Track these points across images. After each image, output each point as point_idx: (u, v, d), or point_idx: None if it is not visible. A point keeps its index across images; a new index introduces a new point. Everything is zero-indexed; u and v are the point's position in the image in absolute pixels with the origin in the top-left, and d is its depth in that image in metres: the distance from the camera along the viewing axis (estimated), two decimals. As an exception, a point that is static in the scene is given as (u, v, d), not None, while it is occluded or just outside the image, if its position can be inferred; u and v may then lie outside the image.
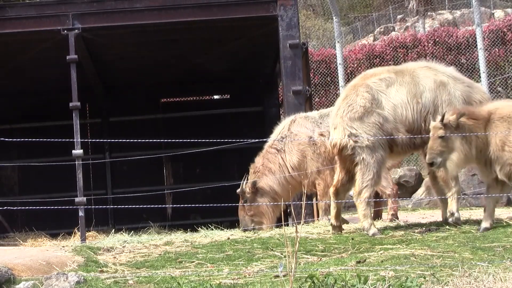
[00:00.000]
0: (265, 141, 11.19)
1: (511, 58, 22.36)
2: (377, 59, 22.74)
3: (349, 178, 8.87)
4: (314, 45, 30.21)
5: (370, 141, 8.58)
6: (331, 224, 9.02)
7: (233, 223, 11.85)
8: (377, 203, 11.30)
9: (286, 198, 10.59)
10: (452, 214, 8.85)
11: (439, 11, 39.61)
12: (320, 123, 10.93)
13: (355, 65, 22.68)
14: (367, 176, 8.59)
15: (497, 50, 22.39)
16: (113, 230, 12.34)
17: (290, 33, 12.01)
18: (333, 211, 8.98)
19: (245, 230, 10.48)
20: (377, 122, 8.67)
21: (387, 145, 8.70)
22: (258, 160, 10.94)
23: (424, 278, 5.74)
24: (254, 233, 9.94)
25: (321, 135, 10.79)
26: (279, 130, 11.09)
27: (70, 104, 11.55)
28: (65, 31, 11.95)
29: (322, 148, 10.73)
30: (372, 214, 11.52)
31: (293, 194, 10.83)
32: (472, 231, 8.25)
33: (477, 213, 11.18)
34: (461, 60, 21.98)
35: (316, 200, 11.08)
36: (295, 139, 10.77)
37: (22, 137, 14.08)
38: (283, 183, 10.72)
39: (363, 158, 8.60)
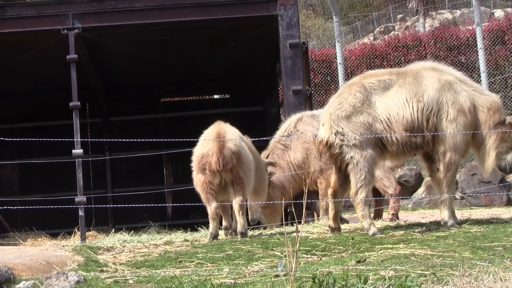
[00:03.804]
0: (265, 140, 11.19)
1: (511, 57, 22.35)
2: (378, 58, 22.74)
3: (344, 179, 8.82)
4: (314, 44, 30.22)
5: (358, 140, 8.53)
6: (329, 226, 8.99)
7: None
8: (377, 202, 11.30)
9: (290, 195, 10.60)
10: (446, 223, 8.74)
11: (439, 11, 39.61)
12: None
13: (356, 64, 22.68)
14: (360, 176, 8.54)
15: (497, 49, 22.39)
16: (113, 229, 12.33)
17: (290, 33, 12.01)
18: (331, 213, 8.94)
19: (254, 226, 10.47)
20: (365, 122, 8.60)
21: (378, 145, 8.65)
22: (266, 156, 10.93)
23: (425, 277, 5.75)
24: (258, 233, 9.93)
25: None
26: (285, 127, 11.09)
27: (70, 104, 11.55)
28: (65, 30, 11.96)
29: None
30: (373, 214, 11.53)
31: (296, 192, 10.84)
32: (472, 231, 8.25)
33: (477, 213, 11.19)
34: (461, 59, 21.98)
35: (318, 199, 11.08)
36: (301, 137, 10.78)
37: (22, 137, 14.07)
38: (290, 180, 10.75)
39: (351, 157, 8.55)
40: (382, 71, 9.22)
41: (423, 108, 8.63)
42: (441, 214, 8.82)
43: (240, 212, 9.02)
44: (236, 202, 8.98)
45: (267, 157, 10.83)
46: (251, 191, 9.62)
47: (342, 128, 8.59)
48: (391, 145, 8.62)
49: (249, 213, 10.66)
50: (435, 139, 8.67)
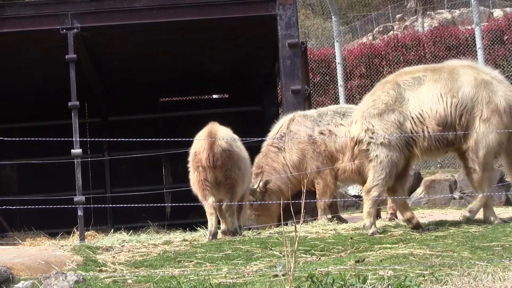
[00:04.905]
0: (264, 141, 11.17)
1: (510, 57, 22.35)
2: (377, 58, 22.74)
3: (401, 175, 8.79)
4: (313, 44, 30.20)
5: (386, 139, 8.51)
6: (406, 219, 8.80)
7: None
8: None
9: (288, 197, 10.60)
10: (471, 211, 8.78)
11: (438, 10, 39.57)
12: (319, 121, 10.91)
13: (354, 64, 22.68)
14: (379, 175, 8.49)
15: (496, 49, 22.39)
16: (112, 229, 12.33)
17: (289, 33, 12.02)
18: (396, 207, 8.80)
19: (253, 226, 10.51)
20: (396, 121, 8.55)
21: (405, 146, 8.59)
22: (261, 159, 10.91)
23: (423, 277, 5.74)
24: (257, 233, 9.92)
25: (321, 133, 10.78)
26: (277, 128, 11.05)
27: (69, 104, 11.56)
28: (64, 30, 11.96)
29: (322, 147, 10.72)
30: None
31: (293, 193, 10.83)
32: (471, 230, 8.25)
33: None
34: (460, 59, 21.97)
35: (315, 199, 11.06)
36: (295, 138, 10.75)
37: (22, 136, 14.08)
38: (287, 182, 10.73)
39: (376, 155, 8.50)
40: (417, 68, 9.17)
41: (457, 104, 8.56)
42: (471, 204, 8.80)
43: (228, 214, 9.24)
44: (224, 202, 9.21)
45: (266, 163, 10.83)
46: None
47: (373, 126, 8.57)
48: (422, 140, 8.55)
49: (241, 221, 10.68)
50: (466, 136, 8.60)
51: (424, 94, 8.64)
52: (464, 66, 8.91)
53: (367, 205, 8.61)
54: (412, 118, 8.59)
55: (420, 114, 8.58)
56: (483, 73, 8.79)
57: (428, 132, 8.53)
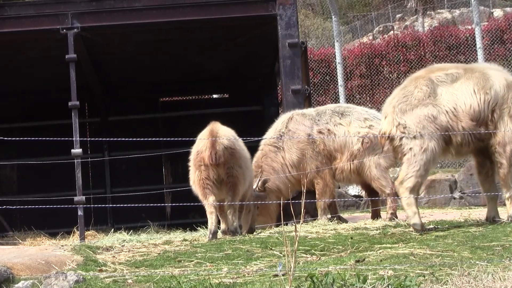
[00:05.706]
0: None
1: (510, 57, 22.35)
2: (377, 58, 22.74)
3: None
4: (313, 44, 30.20)
5: (419, 133, 8.49)
6: (410, 224, 8.77)
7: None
8: (375, 202, 11.27)
9: (286, 197, 10.60)
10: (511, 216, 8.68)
11: (438, 10, 39.58)
12: (318, 120, 10.88)
13: (354, 64, 22.68)
14: (413, 168, 8.38)
15: (496, 48, 22.40)
16: (112, 229, 12.33)
17: (289, 32, 12.01)
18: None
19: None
20: (429, 115, 8.52)
21: (442, 137, 8.53)
22: (260, 159, 10.87)
23: (423, 277, 5.74)
24: (257, 232, 9.92)
25: (320, 132, 10.76)
26: (277, 127, 11.02)
27: (69, 103, 11.56)
28: (64, 30, 11.96)
29: (321, 146, 10.71)
30: (371, 213, 11.52)
31: (292, 193, 10.83)
32: (471, 230, 8.25)
33: (476, 212, 11.18)
34: (460, 59, 21.97)
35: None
36: (293, 137, 10.73)
37: (22, 136, 14.07)
38: (286, 182, 10.71)
39: (410, 148, 8.43)
40: (449, 65, 9.20)
41: (489, 101, 8.60)
42: (509, 210, 8.75)
43: (229, 211, 9.29)
44: (226, 201, 9.27)
45: (265, 163, 10.81)
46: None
47: (405, 121, 8.53)
48: (456, 135, 8.54)
49: (243, 223, 10.66)
50: (496, 132, 8.61)
51: (458, 89, 8.67)
52: (492, 68, 9.03)
53: (403, 197, 8.44)
54: (447, 112, 8.58)
55: (454, 108, 8.58)
56: (511, 77, 8.90)
57: (463, 127, 8.54)
